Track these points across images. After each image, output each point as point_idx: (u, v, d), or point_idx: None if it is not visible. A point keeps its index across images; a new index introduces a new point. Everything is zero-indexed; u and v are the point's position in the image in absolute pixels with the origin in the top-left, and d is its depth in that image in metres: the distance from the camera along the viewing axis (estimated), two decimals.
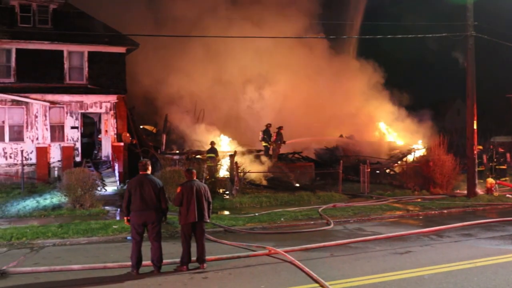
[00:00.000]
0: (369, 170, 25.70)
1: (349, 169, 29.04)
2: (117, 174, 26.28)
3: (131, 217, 11.54)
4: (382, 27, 31.21)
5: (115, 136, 28.52)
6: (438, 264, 12.12)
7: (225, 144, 30.62)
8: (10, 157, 26.80)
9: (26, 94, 26.99)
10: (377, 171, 29.58)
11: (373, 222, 18.79)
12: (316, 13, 37.52)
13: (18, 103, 26.98)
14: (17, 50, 27.36)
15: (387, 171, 30.82)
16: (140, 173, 11.73)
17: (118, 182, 25.63)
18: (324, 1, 40.24)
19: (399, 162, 32.13)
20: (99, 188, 22.31)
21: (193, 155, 27.32)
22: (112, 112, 28.63)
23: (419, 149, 33.43)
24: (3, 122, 26.95)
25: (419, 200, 23.60)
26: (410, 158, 32.49)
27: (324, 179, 28.12)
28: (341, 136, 35.73)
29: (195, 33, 29.66)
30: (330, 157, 32.84)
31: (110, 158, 28.22)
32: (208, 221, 12.37)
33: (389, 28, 28.85)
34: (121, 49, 29.13)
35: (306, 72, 35.21)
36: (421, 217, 19.93)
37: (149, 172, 11.83)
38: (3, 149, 26.76)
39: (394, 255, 13.21)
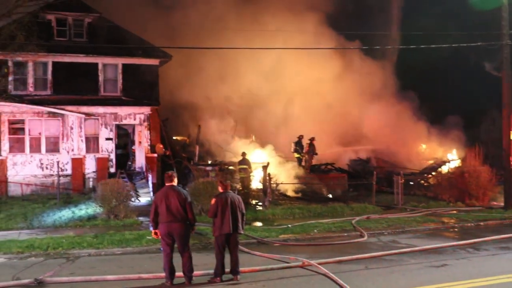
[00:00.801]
0: (403, 181, 25.41)
1: (382, 180, 28.81)
2: (150, 185, 26.49)
3: (159, 229, 11.59)
4: (415, 36, 30.82)
5: (149, 147, 28.79)
6: (475, 278, 11.91)
7: (257, 155, 30.59)
8: (47, 168, 27.25)
9: (62, 106, 27.46)
10: (411, 182, 29.25)
11: (408, 234, 18.55)
12: (350, 24, 37.35)
13: (54, 115, 27.48)
14: (53, 63, 27.91)
15: (421, 182, 30.43)
16: (166, 184, 11.79)
17: (151, 193, 25.80)
18: (360, 14, 40.08)
19: (433, 173, 31.69)
20: (133, 199, 22.54)
21: (226, 166, 27.38)
22: (145, 123, 28.93)
23: (453, 160, 32.95)
24: (40, 133, 27.46)
25: (454, 212, 23.25)
26: (444, 169, 32.00)
27: (357, 190, 27.94)
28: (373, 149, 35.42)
29: (228, 44, 29.77)
30: (363, 168, 32.61)
31: (144, 169, 28.48)
32: (242, 232, 12.38)
33: (423, 37, 28.51)
34: (154, 61, 29.47)
35: (341, 84, 35.03)
36: (456, 230, 19.63)
37: (175, 183, 11.84)
38: (40, 160, 27.24)
39: (430, 268, 13.02)
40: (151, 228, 12.12)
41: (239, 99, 33.68)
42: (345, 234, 18.12)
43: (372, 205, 24.18)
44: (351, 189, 28.31)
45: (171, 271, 11.52)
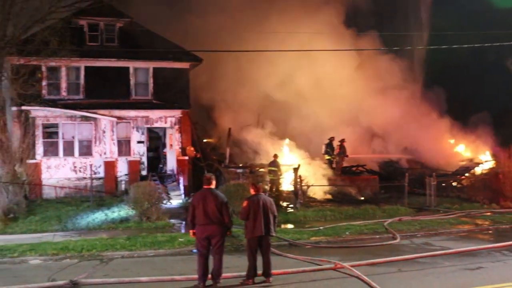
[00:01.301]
0: (435, 182, 25.12)
1: (414, 182, 28.49)
2: (182, 187, 26.67)
3: (196, 231, 11.70)
4: (445, 36, 30.45)
5: (180, 150, 28.99)
6: (511, 281, 11.71)
7: (288, 157, 30.57)
8: (80, 171, 27.62)
9: (94, 110, 27.82)
10: (443, 184, 28.88)
11: (441, 236, 18.35)
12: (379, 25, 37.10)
13: (87, 118, 27.85)
14: (86, 67, 28.27)
15: (454, 183, 30.03)
16: (204, 187, 11.88)
17: (183, 195, 26.00)
18: (387, 13, 39.79)
19: (466, 174, 31.25)
20: (164, 201, 22.74)
21: (257, 169, 27.42)
22: (176, 126, 29.14)
23: (487, 161, 32.43)
24: (73, 137, 27.86)
25: (488, 213, 22.93)
26: (478, 170, 31.52)
27: (388, 192, 27.70)
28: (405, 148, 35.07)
29: (256, 47, 29.80)
30: (395, 169, 32.33)
31: (175, 172, 28.67)
32: (274, 235, 12.38)
33: (453, 37, 28.15)
34: (184, 65, 29.64)
35: (372, 85, 34.78)
36: (491, 232, 19.36)
37: (213, 186, 11.95)
38: (73, 163, 27.63)
39: (464, 271, 12.87)
40: (183, 231, 12.22)
41: (270, 101, 33.66)
42: (377, 236, 18.00)
43: (404, 207, 23.95)
44: (382, 191, 28.11)
45: (203, 273, 11.60)
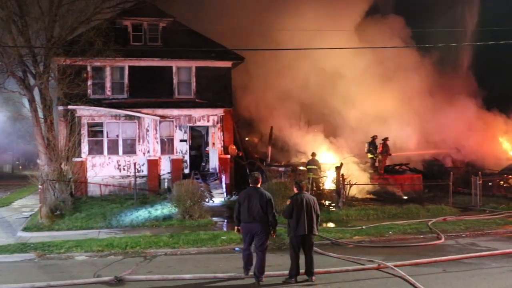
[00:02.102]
0: (481, 182, 24.58)
1: (459, 180, 27.96)
2: (224, 186, 26.79)
3: (241, 227, 11.83)
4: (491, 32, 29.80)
5: (222, 148, 29.13)
6: None
7: (329, 156, 30.41)
8: (124, 169, 28.05)
9: (138, 109, 28.20)
10: (490, 183, 28.25)
11: (487, 237, 17.90)
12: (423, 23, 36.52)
13: (130, 117, 28.24)
14: (130, 67, 28.67)
15: (501, 183, 29.35)
16: (251, 185, 11.96)
17: (225, 193, 26.11)
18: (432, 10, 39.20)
19: None
20: (207, 200, 22.88)
21: (298, 167, 27.34)
22: (219, 125, 29.29)
23: None
24: (117, 136, 28.31)
25: None
26: None
27: (432, 191, 27.25)
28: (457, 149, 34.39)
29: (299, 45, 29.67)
30: (439, 168, 31.79)
31: (217, 170, 28.82)
32: (317, 233, 12.33)
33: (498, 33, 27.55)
34: (227, 64, 29.74)
35: (415, 83, 34.25)
36: None
37: (259, 185, 12.04)
38: (117, 162, 28.07)
39: None
40: (225, 229, 12.33)
41: (313, 99, 33.51)
42: (421, 236, 17.71)
43: (448, 207, 23.51)
44: (426, 190, 27.68)
45: (247, 263, 11.90)
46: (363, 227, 18.97)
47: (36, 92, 24.48)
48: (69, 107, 26.72)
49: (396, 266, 12.70)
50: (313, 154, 26.64)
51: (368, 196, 25.96)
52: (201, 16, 33.65)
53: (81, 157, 27.25)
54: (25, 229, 19.44)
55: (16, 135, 32.41)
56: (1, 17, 23.05)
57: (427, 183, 27.84)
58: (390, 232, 18.16)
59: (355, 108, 32.82)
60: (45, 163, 24.14)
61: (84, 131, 27.72)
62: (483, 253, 14.81)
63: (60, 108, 26.94)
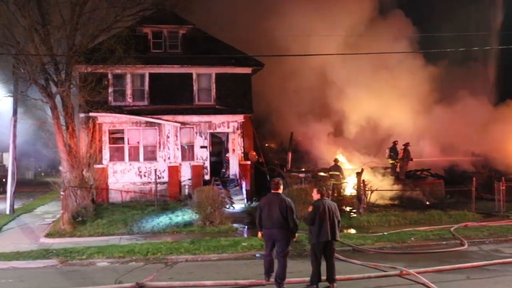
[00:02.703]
0: (504, 187, 24.27)
1: (481, 186, 27.61)
2: (244, 192, 26.77)
3: (262, 233, 11.84)
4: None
5: (242, 154, 29.14)
6: None
7: (350, 162, 30.29)
8: (144, 175, 28.17)
9: (158, 116, 28.32)
10: None
11: (511, 243, 17.67)
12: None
13: (151, 124, 28.38)
14: (150, 74, 28.83)
15: None
16: (272, 191, 11.95)
17: (245, 200, 26.09)
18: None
19: None
20: (227, 206, 22.88)
21: (319, 173, 27.25)
22: (239, 131, 29.31)
23: None
24: (138, 142, 28.46)
25: None
26: None
27: (454, 197, 26.95)
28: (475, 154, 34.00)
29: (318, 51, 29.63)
30: (461, 174, 31.46)
31: (238, 177, 28.82)
32: (339, 240, 12.26)
33: None
34: (246, 70, 29.76)
35: (433, 85, 34.04)
36: None
37: (280, 191, 12.01)
38: (138, 168, 28.21)
39: None
40: (246, 235, 12.34)
41: (333, 106, 33.44)
42: (444, 243, 17.53)
43: (471, 212, 23.24)
44: (448, 195, 27.39)
45: (268, 269, 11.88)
46: (385, 233, 18.84)
47: (58, 100, 24.73)
48: (91, 114, 26.94)
49: (418, 272, 12.58)
50: (336, 160, 26.58)
51: (389, 202, 25.76)
52: (220, 23, 33.80)
53: (102, 164, 27.43)
54: (48, 235, 19.61)
55: (38, 142, 32.69)
56: (24, 26, 23.35)
57: (449, 189, 27.55)
58: (412, 238, 18.01)
59: (376, 113, 32.65)
60: (67, 170, 24.34)
61: (105, 138, 27.93)
62: (507, 259, 14.61)
63: (82, 115, 27.18)
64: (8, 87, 27.09)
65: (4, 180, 39.23)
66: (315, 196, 12.13)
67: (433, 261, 14.50)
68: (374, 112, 33.41)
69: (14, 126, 26.89)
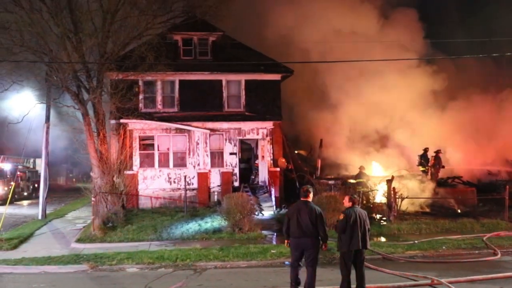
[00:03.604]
0: None
1: None
2: (273, 199, 26.72)
3: (290, 242, 11.69)
4: None
5: (271, 161, 29.10)
6: None
7: (380, 169, 29.99)
8: (174, 182, 28.32)
9: (188, 123, 28.47)
10: None
11: None
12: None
13: (181, 131, 28.54)
14: (180, 81, 29.00)
15: None
16: (301, 199, 11.83)
17: (274, 207, 26.04)
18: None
19: None
20: (256, 213, 22.81)
21: (348, 180, 27.04)
22: (268, 138, 29.30)
23: None
24: (168, 149, 28.64)
25: None
26: None
27: (487, 205, 26.46)
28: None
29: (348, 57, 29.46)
30: (494, 182, 30.91)
31: (267, 183, 28.79)
32: (369, 248, 12.12)
33: None
34: (276, 77, 29.75)
35: (469, 92, 33.56)
36: None
37: (309, 198, 11.86)
38: (168, 175, 28.37)
39: None
40: (275, 242, 12.24)
41: (362, 112, 33.12)
42: (476, 252, 17.20)
43: (504, 221, 22.77)
44: (480, 204, 26.89)
45: (295, 280, 11.69)
46: (415, 241, 18.58)
47: (89, 106, 25.08)
48: (121, 120, 27.22)
49: (450, 282, 12.38)
50: (361, 168, 26.36)
51: (420, 209, 25.42)
52: (250, 30, 33.86)
53: (132, 170, 27.67)
54: (78, 240, 19.83)
55: (70, 148, 33.17)
56: (57, 34, 23.76)
57: (481, 197, 27.07)
58: (444, 247, 17.72)
59: (407, 119, 32.28)
60: (97, 176, 24.62)
61: (136, 144, 28.18)
62: None
63: (113, 121, 27.46)
64: (41, 94, 27.50)
65: (36, 185, 40.06)
66: (347, 204, 12.01)
67: (465, 270, 14.25)
68: (410, 117, 33.02)
69: (47, 133, 27.26)
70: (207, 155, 28.74)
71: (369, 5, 35.15)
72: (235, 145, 29.15)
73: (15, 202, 35.30)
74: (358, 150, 31.63)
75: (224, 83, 29.43)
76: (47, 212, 27.66)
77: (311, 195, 11.93)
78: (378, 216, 23.29)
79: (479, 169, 32.78)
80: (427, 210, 25.37)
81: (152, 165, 28.42)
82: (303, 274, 11.61)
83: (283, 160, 29.28)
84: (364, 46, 30.74)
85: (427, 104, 32.60)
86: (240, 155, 30.10)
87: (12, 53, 23.50)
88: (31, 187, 42.70)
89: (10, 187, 30.74)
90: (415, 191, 25.77)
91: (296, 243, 11.56)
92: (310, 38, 32.43)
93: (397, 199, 23.29)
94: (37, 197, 30.53)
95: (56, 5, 23.81)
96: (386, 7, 35.97)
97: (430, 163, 28.89)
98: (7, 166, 38.39)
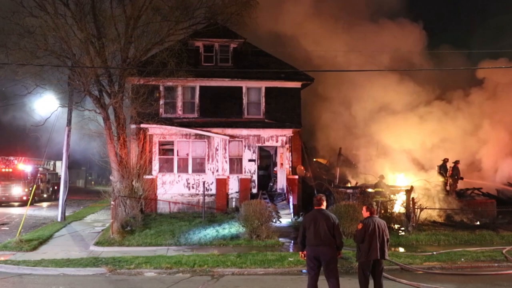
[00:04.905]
0: None
1: None
2: (291, 206, 26.71)
3: (306, 251, 11.60)
4: None
5: (290, 169, 29.11)
6: None
7: (399, 178, 29.81)
8: (193, 187, 28.45)
9: (207, 129, 28.62)
10: None
11: None
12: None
13: (200, 136, 28.67)
14: (200, 87, 29.21)
15: None
16: (315, 208, 11.79)
17: (292, 214, 26.04)
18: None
19: None
20: (274, 220, 22.78)
21: (367, 189, 26.93)
22: (287, 145, 29.32)
23: None
24: (187, 154, 28.79)
25: None
26: None
27: (507, 217, 26.18)
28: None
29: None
30: None
31: (285, 191, 28.79)
32: (388, 258, 12.06)
33: None
34: (296, 84, 29.81)
35: (487, 103, 33.35)
36: None
37: (323, 207, 11.80)
38: (187, 180, 28.50)
39: None
40: (292, 250, 12.16)
41: (382, 121, 33.00)
42: (496, 265, 16.99)
43: None
44: (500, 216, 26.62)
45: None
46: (434, 252, 18.40)
47: (110, 111, 25.31)
48: (142, 125, 27.45)
49: None
50: (381, 177, 26.26)
51: (439, 220, 25.23)
52: (271, 37, 33.96)
53: (152, 175, 27.84)
54: (97, 243, 19.96)
55: (89, 152, 33.44)
56: (80, 39, 24.03)
57: (501, 209, 26.79)
58: (462, 259, 17.53)
59: (427, 129, 32.10)
60: (117, 180, 24.80)
61: (155, 149, 28.37)
62: None
63: (133, 126, 27.67)
64: (63, 98, 27.81)
65: (56, 187, 40.48)
66: (365, 213, 11.97)
67: (484, 283, 14.13)
68: (430, 127, 32.85)
69: (68, 136, 27.49)
70: (226, 161, 28.83)
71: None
72: (254, 152, 29.22)
73: (35, 204, 35.73)
74: (379, 159, 31.47)
75: (244, 90, 29.55)
76: (66, 214, 27.94)
77: (324, 203, 11.83)
78: (396, 226, 23.17)
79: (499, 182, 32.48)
80: (446, 221, 25.17)
81: (171, 170, 28.58)
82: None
83: (302, 168, 29.27)
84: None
85: (448, 114, 32.48)
86: (258, 162, 30.15)
87: (36, 57, 23.83)
88: (51, 189, 43.15)
89: (30, 189, 31.10)
90: (434, 202, 25.61)
91: (313, 251, 11.42)
92: (333, 46, 32.50)
93: (416, 210, 23.14)
94: (57, 199, 30.81)
95: (80, 10, 24.18)
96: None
97: (448, 173, 28.71)
98: (28, 168, 38.80)
